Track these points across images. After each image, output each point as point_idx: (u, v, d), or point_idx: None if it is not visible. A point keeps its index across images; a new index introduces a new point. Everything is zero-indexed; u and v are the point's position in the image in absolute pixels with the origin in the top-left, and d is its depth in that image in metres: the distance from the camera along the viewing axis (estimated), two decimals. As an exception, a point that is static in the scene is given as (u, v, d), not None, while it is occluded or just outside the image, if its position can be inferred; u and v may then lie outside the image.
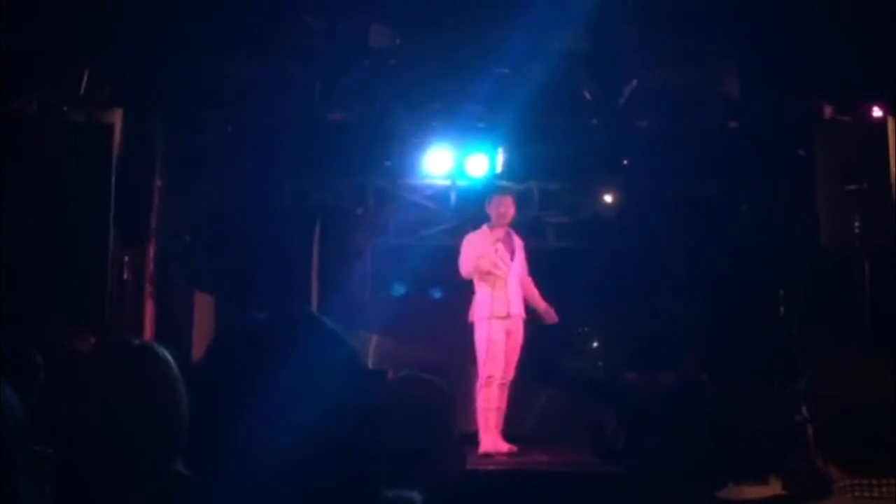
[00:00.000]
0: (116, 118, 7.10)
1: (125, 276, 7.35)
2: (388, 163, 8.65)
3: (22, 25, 6.23)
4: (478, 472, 6.30)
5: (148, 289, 7.76)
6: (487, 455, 7.08)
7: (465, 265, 7.40)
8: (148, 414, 2.17)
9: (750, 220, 8.80)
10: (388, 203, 9.23)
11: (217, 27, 7.06)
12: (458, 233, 8.01)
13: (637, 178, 8.92)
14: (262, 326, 1.40)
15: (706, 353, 8.67)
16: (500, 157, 8.65)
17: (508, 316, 7.28)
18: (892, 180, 7.02)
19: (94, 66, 7.01)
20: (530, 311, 7.49)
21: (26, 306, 6.16)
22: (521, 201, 8.44)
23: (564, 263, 8.81)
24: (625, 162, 8.99)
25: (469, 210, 8.51)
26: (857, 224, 6.85)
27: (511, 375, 7.37)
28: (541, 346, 7.96)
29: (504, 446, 7.25)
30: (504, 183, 8.44)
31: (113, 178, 6.78)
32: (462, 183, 8.84)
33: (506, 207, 7.41)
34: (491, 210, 7.44)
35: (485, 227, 7.48)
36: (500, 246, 7.34)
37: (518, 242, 7.54)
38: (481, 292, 7.34)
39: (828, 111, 7.70)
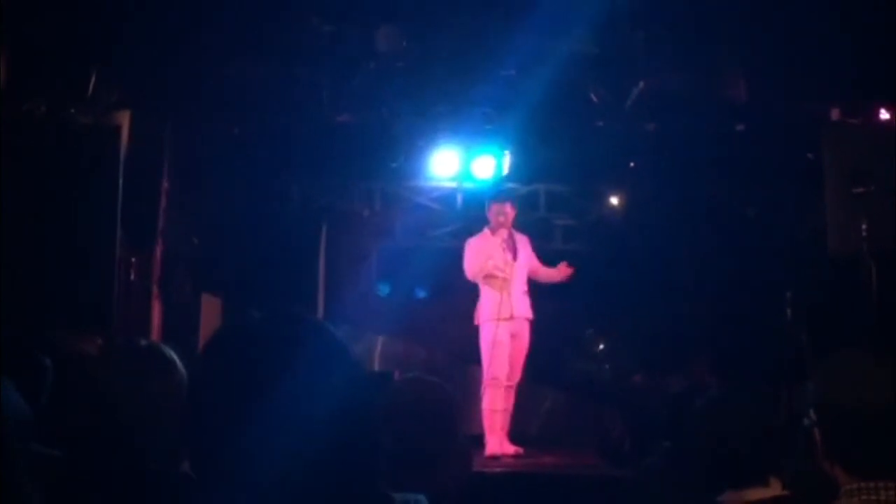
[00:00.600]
0: (124, 120, 7.11)
1: (132, 278, 7.36)
2: (394, 165, 8.66)
3: (30, 28, 6.24)
4: (483, 474, 6.31)
5: (155, 291, 7.76)
6: (493, 457, 7.09)
7: (470, 269, 7.41)
8: (155, 415, 2.17)
9: (757, 223, 8.77)
10: (395, 205, 9.23)
11: (225, 30, 7.07)
12: (465, 235, 7.99)
13: (644, 180, 8.90)
14: (256, 325, 1.40)
15: (713, 355, 8.64)
16: (507, 160, 8.65)
17: (513, 318, 7.28)
18: (901, 183, 6.99)
19: (102, 69, 7.02)
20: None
21: (33, 308, 6.17)
22: (528, 203, 8.44)
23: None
24: (631, 165, 8.98)
25: (476, 212, 8.49)
26: (864, 227, 6.82)
27: (517, 377, 7.37)
28: (547, 349, 7.96)
29: (510, 448, 7.25)
30: (509, 185, 8.45)
31: (120, 181, 6.77)
32: (469, 185, 8.85)
33: (505, 213, 7.41)
34: (490, 216, 7.46)
35: (486, 231, 7.49)
36: (503, 248, 7.34)
37: (521, 240, 7.55)
38: (486, 295, 7.35)
39: (835, 114, 7.68)
